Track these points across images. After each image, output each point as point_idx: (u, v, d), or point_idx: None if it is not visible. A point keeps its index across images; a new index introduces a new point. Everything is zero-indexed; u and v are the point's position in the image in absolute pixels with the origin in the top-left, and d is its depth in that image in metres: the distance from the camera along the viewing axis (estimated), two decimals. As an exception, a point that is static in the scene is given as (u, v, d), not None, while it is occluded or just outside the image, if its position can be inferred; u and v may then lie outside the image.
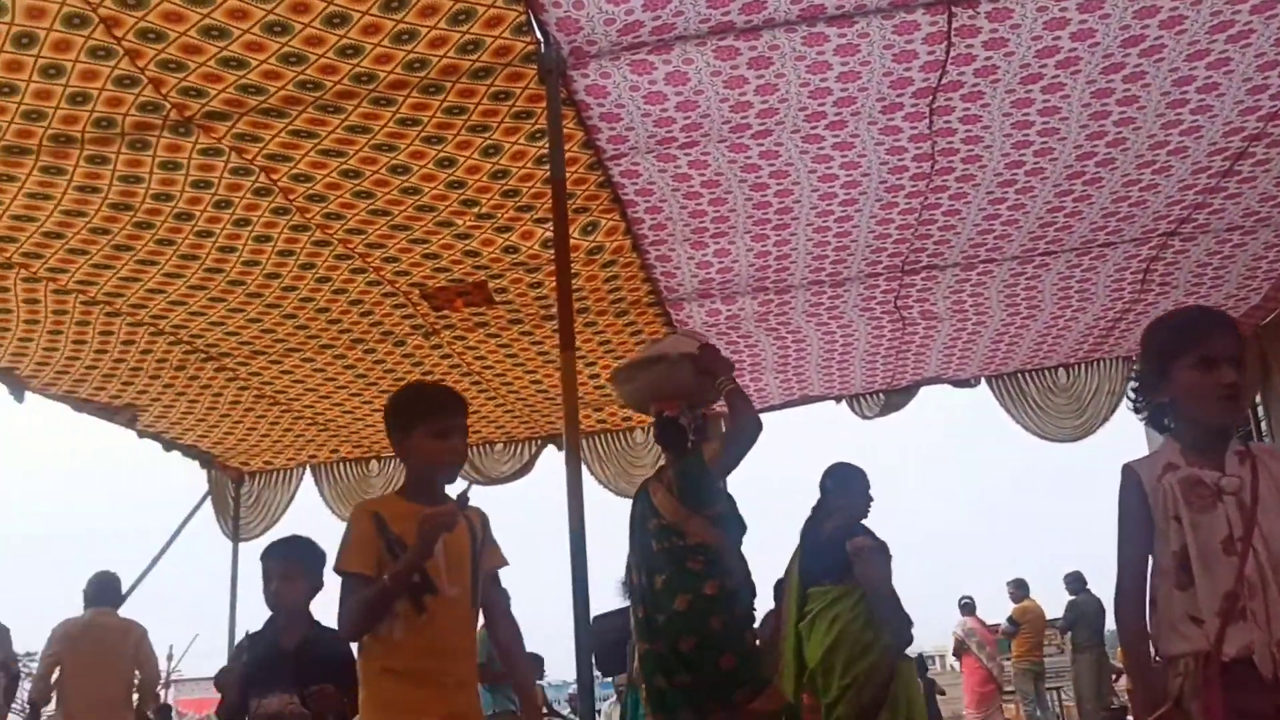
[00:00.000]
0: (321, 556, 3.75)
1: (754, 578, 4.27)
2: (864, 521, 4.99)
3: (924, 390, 7.93)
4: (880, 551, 4.79)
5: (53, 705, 6.55)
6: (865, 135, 4.46)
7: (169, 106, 3.90)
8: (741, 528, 4.30)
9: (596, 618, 4.47)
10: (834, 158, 4.61)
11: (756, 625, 4.35)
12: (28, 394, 6.57)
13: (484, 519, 3.15)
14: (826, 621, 4.80)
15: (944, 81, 4.12)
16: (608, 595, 4.94)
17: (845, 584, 4.80)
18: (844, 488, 5.09)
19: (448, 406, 3.09)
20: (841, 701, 4.64)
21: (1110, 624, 13.19)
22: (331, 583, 3.42)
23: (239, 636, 8.69)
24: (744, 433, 4.18)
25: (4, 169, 4.20)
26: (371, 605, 2.81)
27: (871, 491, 5.08)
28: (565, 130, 4.00)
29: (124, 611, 7.06)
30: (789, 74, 3.98)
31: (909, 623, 4.81)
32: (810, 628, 4.86)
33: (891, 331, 6.76)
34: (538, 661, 8.40)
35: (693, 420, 4.33)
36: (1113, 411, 7.70)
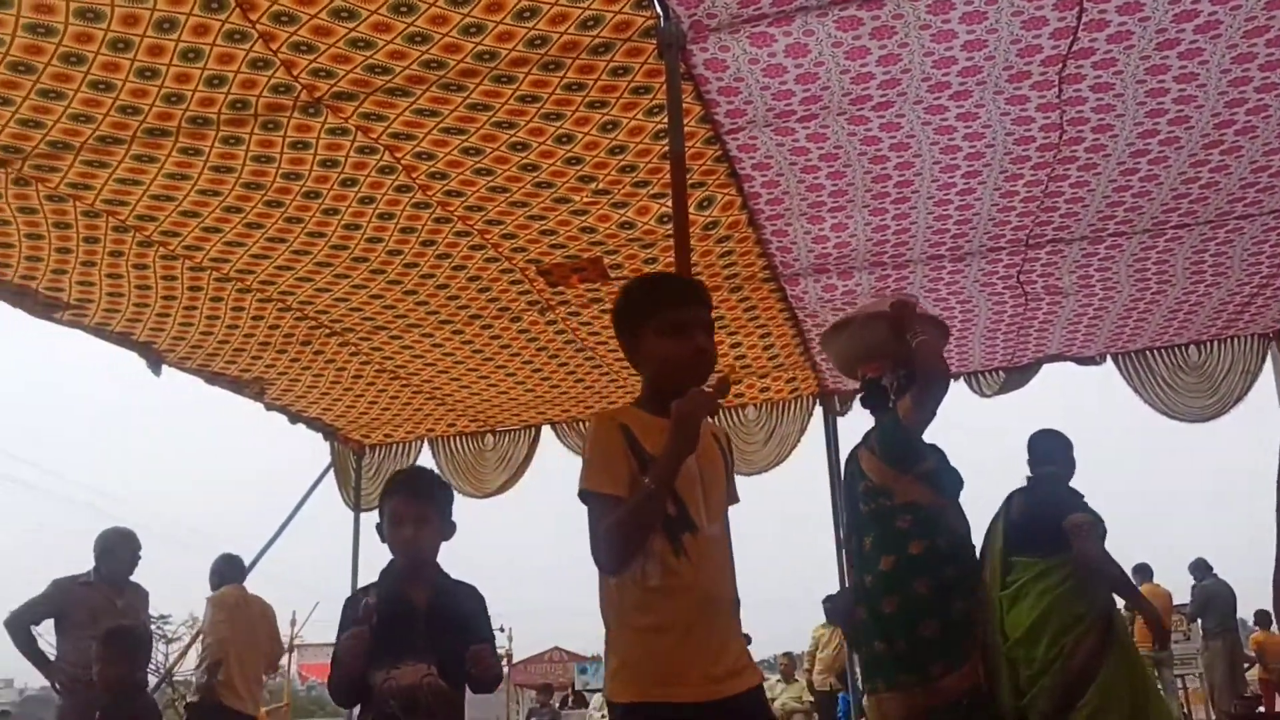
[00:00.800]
0: (452, 495, 3.29)
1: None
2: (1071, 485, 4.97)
3: (1046, 368, 7.71)
4: (1097, 526, 4.72)
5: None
6: (991, 105, 4.34)
7: (299, 88, 4.01)
8: (957, 482, 4.20)
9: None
10: (957, 129, 4.51)
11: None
12: (164, 367, 6.86)
13: (729, 439, 2.65)
14: (1035, 593, 4.69)
15: (1075, 49, 3.98)
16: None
17: (1055, 557, 4.71)
18: (1050, 455, 5.06)
19: (681, 294, 2.54)
20: (1046, 673, 4.53)
21: (1241, 610, 12.71)
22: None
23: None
24: (931, 387, 4.05)
25: (145, 150, 4.38)
26: (633, 521, 2.29)
27: (1075, 456, 5.09)
28: (683, 105, 3.98)
29: (249, 579, 7.35)
30: (913, 44, 3.90)
31: (1135, 592, 4.77)
32: (1014, 599, 4.75)
33: (1013, 307, 6.60)
34: None
35: (896, 380, 4.25)
36: (1247, 390, 7.38)
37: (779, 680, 13.21)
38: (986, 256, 5.83)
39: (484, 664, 2.96)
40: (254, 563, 8.53)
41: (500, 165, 4.67)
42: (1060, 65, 4.08)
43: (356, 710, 2.99)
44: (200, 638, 6.79)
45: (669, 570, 2.29)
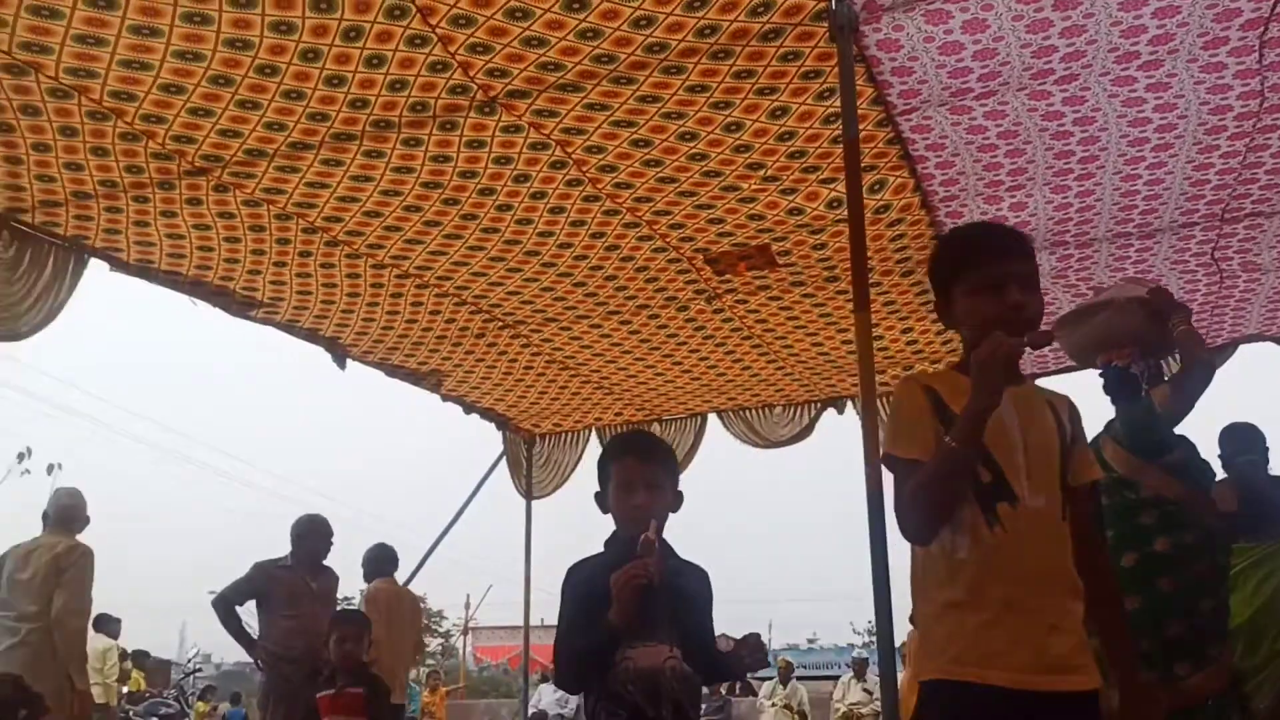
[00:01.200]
0: (677, 463, 2.95)
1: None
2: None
3: (1242, 349, 7.27)
4: None
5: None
6: (1183, 74, 4.11)
7: (476, 88, 4.12)
8: (1207, 474, 4.05)
9: None
10: (1147, 100, 4.29)
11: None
12: (349, 361, 7.18)
13: (1073, 411, 2.38)
14: (1255, 580, 4.50)
15: (1277, 11, 3.73)
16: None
17: (1271, 544, 4.52)
18: (1249, 444, 4.94)
19: (992, 246, 2.28)
20: (1273, 664, 4.34)
21: None
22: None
23: (535, 589, 9.26)
24: (1197, 376, 3.93)
25: (332, 154, 4.58)
26: (934, 484, 2.10)
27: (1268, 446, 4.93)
28: (855, 87, 3.91)
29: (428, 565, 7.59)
30: (1098, 14, 3.72)
31: None
32: (1231, 587, 4.58)
33: (1207, 286, 6.24)
34: None
35: (1146, 369, 4.11)
36: None
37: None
38: (1178, 233, 5.53)
39: (760, 652, 2.66)
40: (431, 549, 8.87)
41: (669, 156, 4.69)
42: (1261, 29, 3.83)
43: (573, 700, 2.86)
44: None
45: (980, 542, 2.09)
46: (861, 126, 4.35)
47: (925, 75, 4.10)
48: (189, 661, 12.48)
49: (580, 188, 4.98)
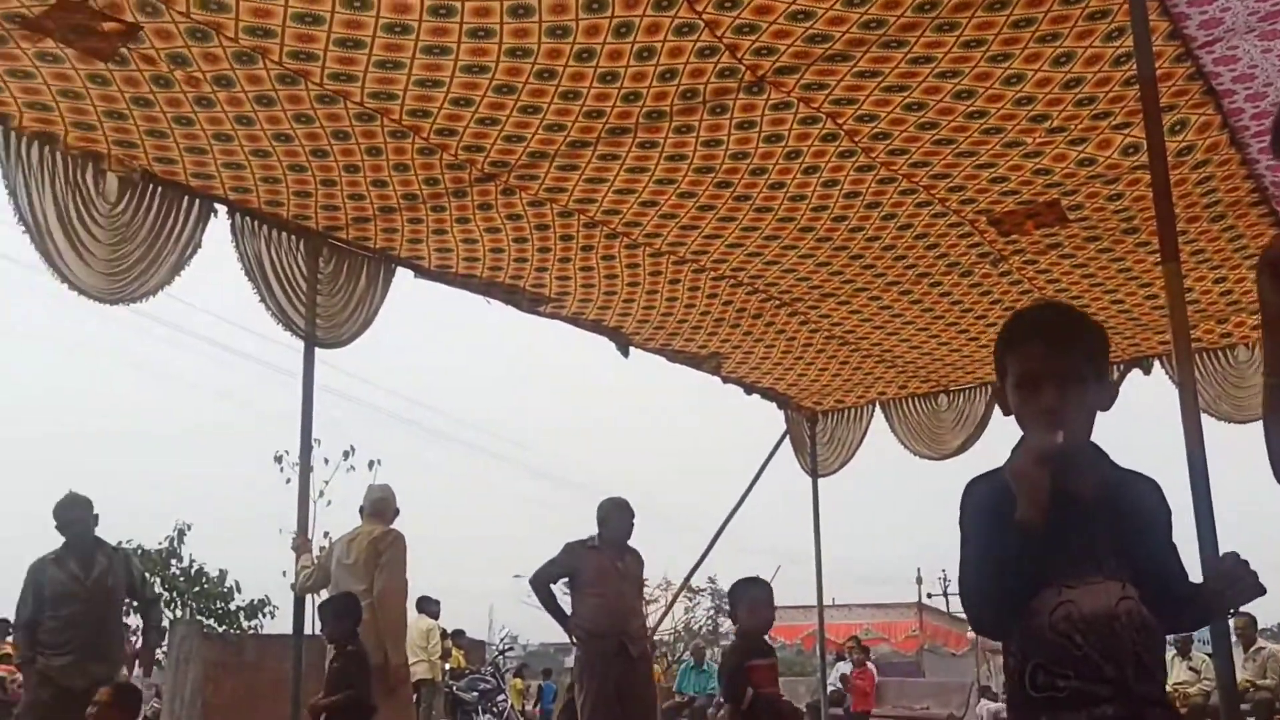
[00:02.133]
0: (1107, 342, 2.21)
1: None
2: None
3: None
4: None
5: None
6: None
7: (743, 69, 4.14)
8: None
9: None
10: None
11: None
12: (631, 349, 7.41)
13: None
14: None
15: None
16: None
17: None
18: None
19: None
20: None
21: None
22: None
23: (827, 566, 9.21)
24: None
25: (609, 149, 4.74)
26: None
27: None
28: (1148, 22, 3.64)
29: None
30: None
31: None
32: None
33: None
34: None
35: None
36: None
37: None
38: None
39: (1245, 579, 2.00)
40: (719, 532, 9.00)
41: (944, 117, 4.53)
42: None
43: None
44: None
45: None
46: (1157, 64, 4.04)
47: (1227, 2, 3.76)
48: (501, 641, 13.31)
49: (853, 158, 4.90)
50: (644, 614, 5.55)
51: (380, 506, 5.11)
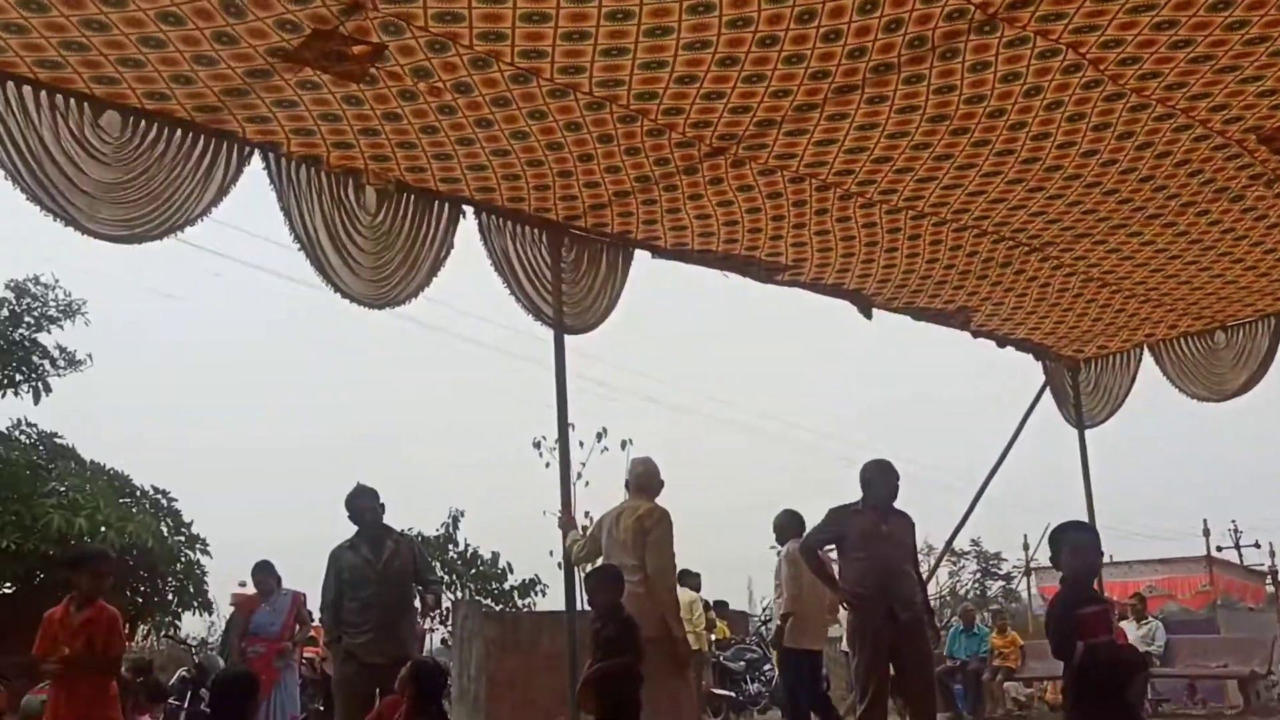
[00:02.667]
0: None
1: None
2: None
3: None
4: None
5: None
6: None
7: (973, 8, 3.98)
8: None
9: None
10: None
11: None
12: (873, 310, 7.28)
13: None
14: None
15: None
16: None
17: None
18: None
19: None
20: None
21: None
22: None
23: (1100, 523, 8.75)
24: None
25: (836, 109, 4.66)
26: None
27: None
28: None
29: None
30: None
31: None
32: None
33: None
34: None
35: None
36: None
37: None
38: None
39: None
40: (980, 491, 8.71)
41: (1199, 32, 4.19)
42: None
43: None
44: (781, 587, 6.98)
45: None
46: None
47: None
48: (763, 611, 13.41)
49: (1099, 88, 4.61)
50: (916, 578, 5.43)
51: (644, 480, 5.25)
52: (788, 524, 6.99)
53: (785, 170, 5.24)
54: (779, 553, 7.09)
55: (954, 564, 29.66)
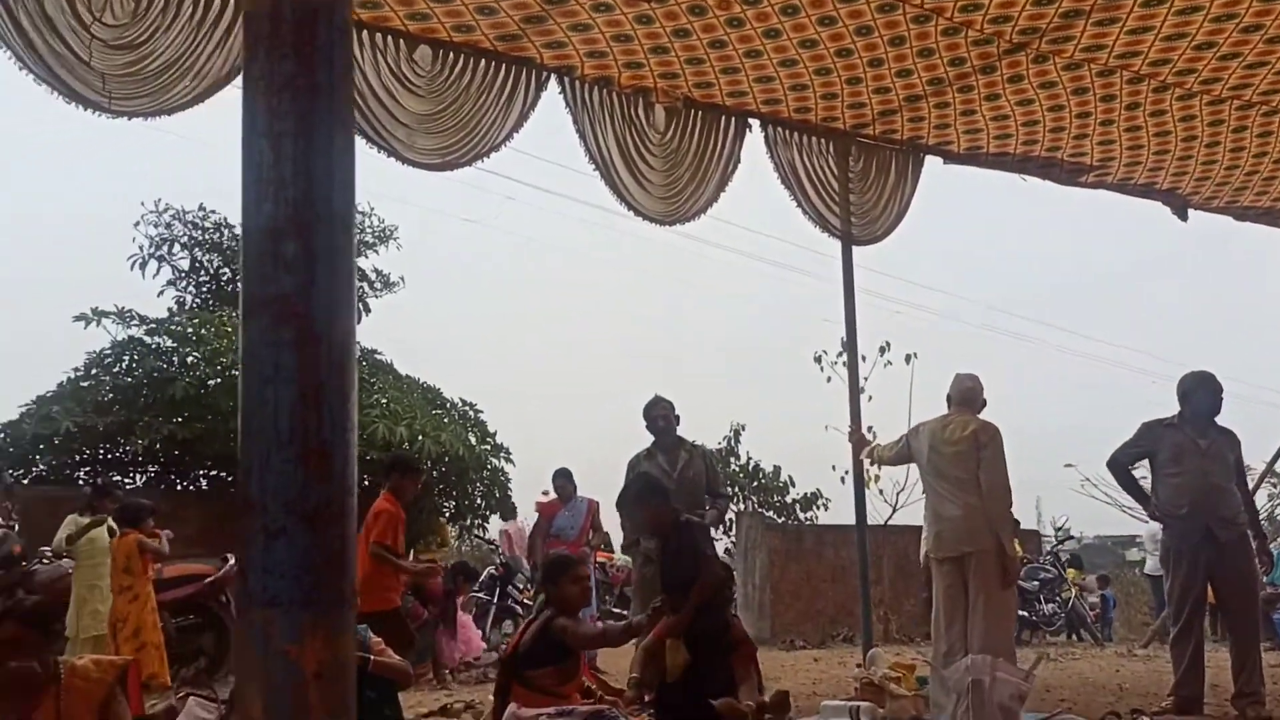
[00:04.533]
0: None
1: None
2: None
3: None
4: None
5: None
6: None
7: None
8: None
9: None
10: None
11: None
12: (1189, 211, 6.73)
13: None
14: None
15: None
16: None
17: None
18: None
19: None
20: None
21: None
22: None
23: None
24: None
25: (1154, -8, 4.31)
26: None
27: None
28: None
29: None
30: None
31: None
32: None
33: None
34: None
35: None
36: None
37: None
38: None
39: None
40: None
41: None
42: None
43: None
44: None
45: None
46: None
47: None
48: (1056, 532, 12.88)
49: None
50: (1241, 496, 5.02)
51: (969, 396, 5.12)
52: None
53: (1093, 63, 4.90)
54: None
55: (1274, 486, 27.24)
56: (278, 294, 0.91)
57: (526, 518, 9.65)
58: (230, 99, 4.67)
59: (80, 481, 8.14)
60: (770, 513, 12.57)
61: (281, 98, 0.91)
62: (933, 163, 5.97)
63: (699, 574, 4.11)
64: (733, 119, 5.36)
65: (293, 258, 0.90)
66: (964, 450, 4.88)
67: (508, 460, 9.59)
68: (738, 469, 12.75)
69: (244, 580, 0.88)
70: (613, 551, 10.07)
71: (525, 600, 8.68)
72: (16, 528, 6.55)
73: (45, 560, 6.47)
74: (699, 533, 4.12)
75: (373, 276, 10.69)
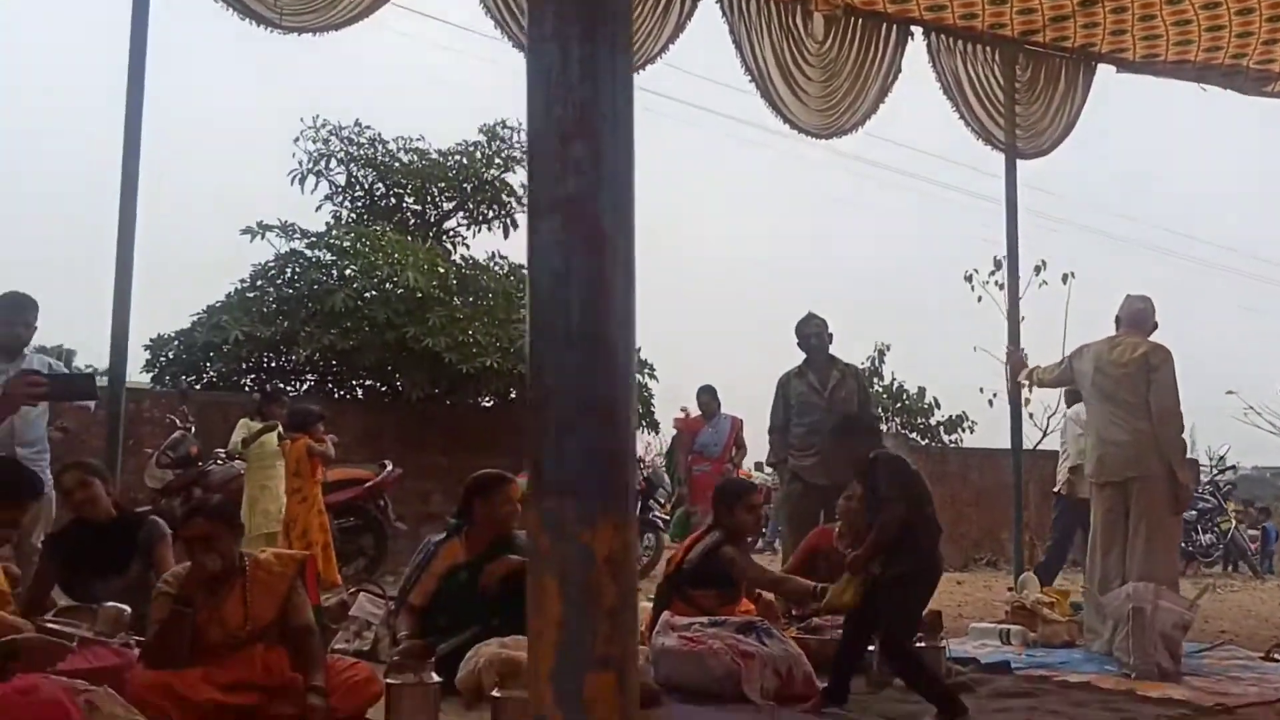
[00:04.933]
0: None
1: None
2: None
3: None
4: None
5: None
6: None
7: None
8: None
9: None
10: None
11: None
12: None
13: None
14: None
15: None
16: None
17: None
18: None
19: None
20: None
21: None
22: None
23: None
24: None
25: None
26: None
27: None
28: None
29: None
30: None
31: None
32: None
33: None
34: None
35: None
36: None
37: None
38: None
39: None
40: None
41: None
42: None
43: None
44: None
45: None
46: None
47: None
48: (1215, 462, 12.40)
49: None
50: None
51: (1139, 317, 4.94)
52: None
53: (1291, -40, 4.57)
54: (1064, 415, 6.72)
55: None
56: (566, 195, 0.93)
57: (666, 434, 9.74)
58: (382, 18, 4.75)
59: (247, 388, 8.55)
60: (914, 435, 12.43)
61: (566, 2, 0.93)
62: (1104, 71, 5.70)
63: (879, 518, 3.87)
64: (894, 27, 5.21)
65: (581, 159, 0.92)
66: (1133, 372, 4.70)
67: (651, 376, 9.66)
68: (882, 390, 12.60)
69: (538, 472, 0.92)
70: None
71: (664, 515, 8.79)
72: (193, 430, 6.93)
73: (219, 461, 6.86)
74: (882, 471, 3.85)
75: (520, 192, 10.77)
